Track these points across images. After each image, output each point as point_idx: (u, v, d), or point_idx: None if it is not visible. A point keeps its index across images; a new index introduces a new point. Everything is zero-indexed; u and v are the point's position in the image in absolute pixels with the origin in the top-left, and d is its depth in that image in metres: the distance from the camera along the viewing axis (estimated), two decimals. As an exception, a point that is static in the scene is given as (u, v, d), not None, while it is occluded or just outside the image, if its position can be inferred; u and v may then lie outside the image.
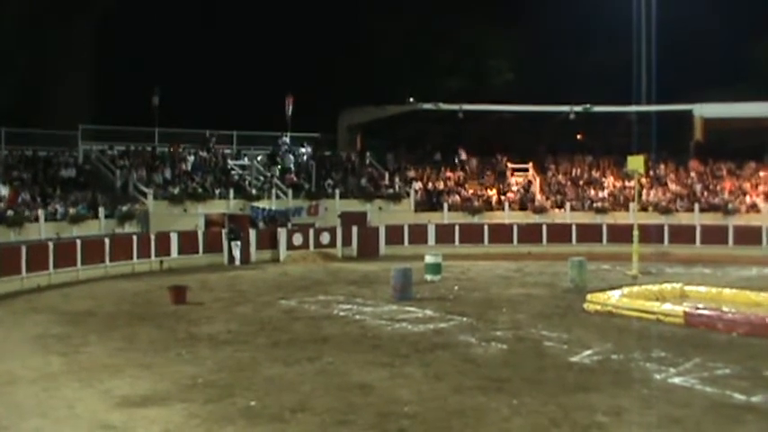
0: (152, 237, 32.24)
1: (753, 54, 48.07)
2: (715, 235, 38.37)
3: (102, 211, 31.95)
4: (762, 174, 43.13)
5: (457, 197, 41.73)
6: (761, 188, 41.91)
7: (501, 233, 39.13)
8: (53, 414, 12.16)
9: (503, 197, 42.21)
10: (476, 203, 41.23)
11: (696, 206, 40.41)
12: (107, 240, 30.23)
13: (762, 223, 38.53)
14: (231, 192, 36.69)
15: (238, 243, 33.87)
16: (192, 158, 38.87)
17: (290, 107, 41.55)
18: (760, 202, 40.65)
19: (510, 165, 44.90)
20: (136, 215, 33.19)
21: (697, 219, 39.60)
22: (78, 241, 29.11)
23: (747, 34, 47.47)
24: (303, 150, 43.17)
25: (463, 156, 45.36)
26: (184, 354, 16.08)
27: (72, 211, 31.07)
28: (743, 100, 41.97)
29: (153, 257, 31.84)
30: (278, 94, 41.45)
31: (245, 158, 41.21)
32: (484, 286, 26.36)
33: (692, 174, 44.02)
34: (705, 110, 42.31)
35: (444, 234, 38.51)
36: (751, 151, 44.40)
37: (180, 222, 34.34)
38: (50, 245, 27.87)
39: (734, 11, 45.64)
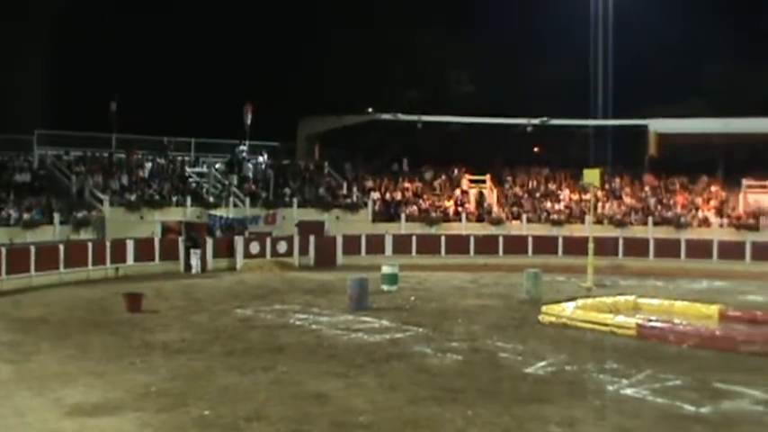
0: (108, 244, 31.93)
1: (706, 71, 48.84)
2: (668, 248, 38.89)
3: (57, 216, 31.62)
4: (713, 188, 43.80)
5: (414, 208, 41.84)
6: (712, 203, 42.57)
7: (458, 244, 39.30)
8: (3, 423, 12.02)
9: (460, 208, 42.39)
10: (433, 214, 41.37)
11: (650, 220, 40.90)
12: (62, 247, 29.91)
13: (713, 237, 39.14)
14: (188, 199, 36.50)
15: (197, 251, 33.69)
16: (149, 165, 38.61)
17: (249, 115, 41.38)
18: (711, 216, 41.27)
19: (467, 176, 45.10)
20: (92, 222, 32.86)
21: (650, 232, 40.09)
22: (32, 247, 28.82)
23: (701, 52, 48.24)
24: (261, 159, 43.06)
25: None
26: (138, 362, 15.97)
27: (26, 216, 30.73)
28: (696, 116, 42.63)
29: (108, 264, 31.53)
30: (237, 102, 41.28)
31: (203, 166, 41.03)
32: (440, 297, 26.46)
33: (647, 188, 44.56)
34: (659, 125, 42.84)
35: (401, 244, 38.57)
36: (703, 166, 45.07)
37: (136, 229, 34.04)
38: (3, 250, 27.53)
39: (689, 29, 46.35)
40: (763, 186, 42.75)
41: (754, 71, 48.07)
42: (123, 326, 20.14)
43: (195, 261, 33.51)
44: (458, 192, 43.96)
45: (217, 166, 41.12)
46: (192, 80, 45.67)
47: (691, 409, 12.85)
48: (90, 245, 31.31)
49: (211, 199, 37.45)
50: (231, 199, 37.78)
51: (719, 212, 41.61)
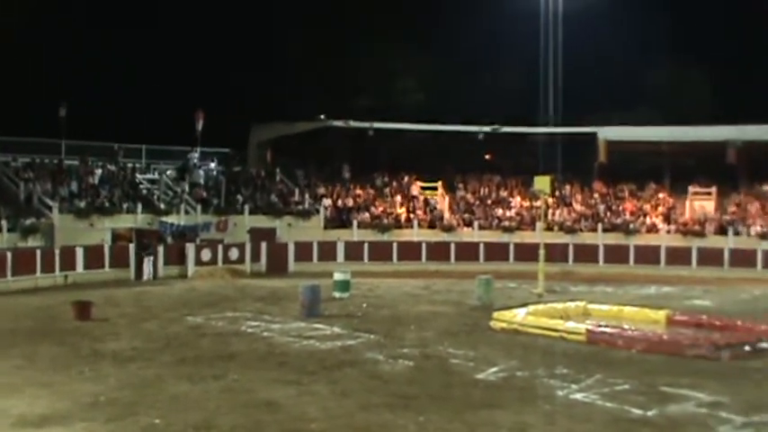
0: (56, 251, 31.56)
1: (654, 81, 49.59)
2: (617, 254, 39.39)
3: (4, 224, 31.19)
4: (661, 195, 44.44)
5: (366, 215, 41.88)
6: (660, 209, 43.17)
7: (410, 251, 39.41)
8: (-53, 435, 11.85)
9: (412, 215, 42.51)
10: (385, 221, 41.45)
11: (599, 226, 41.37)
12: (9, 254, 29.49)
13: (660, 243, 39.74)
14: (139, 206, 36.19)
15: (150, 258, 33.43)
16: (99, 172, 38.21)
17: (200, 122, 41.15)
18: (659, 222, 41.85)
19: (419, 183, 45.26)
20: (40, 229, 32.47)
21: (600, 238, 40.54)
22: (-22, 255, 28.41)
23: (649, 60, 49.00)
24: (213, 166, 42.84)
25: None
26: (87, 371, 15.79)
27: (-28, 224, 30.30)
28: (644, 124, 43.24)
29: (57, 272, 31.15)
30: (188, 109, 41.06)
31: (155, 173, 40.71)
32: (392, 304, 26.51)
33: (596, 195, 45.07)
34: (609, 133, 43.30)
35: (353, 251, 38.58)
36: (651, 173, 45.79)
37: (86, 237, 33.66)
38: (-52, 258, 27.13)
39: (637, 39, 47.08)
40: (709, 193, 43.51)
41: (699, 80, 48.94)
42: (72, 335, 19.90)
43: (147, 268, 33.24)
44: (415, 197, 44.10)
45: (168, 172, 40.83)
46: (144, 86, 45.34)
47: (638, 412, 13.02)
48: (38, 252, 30.93)
49: (162, 206, 37.19)
50: (182, 206, 37.54)
51: (667, 219, 42.22)
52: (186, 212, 37.43)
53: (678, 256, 38.90)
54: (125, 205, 36.15)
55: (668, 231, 41.09)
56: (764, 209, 42.06)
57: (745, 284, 34.38)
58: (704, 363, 17.03)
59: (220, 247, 35.92)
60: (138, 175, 39.69)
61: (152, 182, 39.77)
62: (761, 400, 13.91)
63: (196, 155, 42.08)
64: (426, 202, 44.13)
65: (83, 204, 34.95)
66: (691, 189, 43.71)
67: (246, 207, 39.11)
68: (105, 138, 39.63)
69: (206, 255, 35.20)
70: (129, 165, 40.32)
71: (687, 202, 43.41)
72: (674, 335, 19.73)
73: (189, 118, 41.02)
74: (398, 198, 43.94)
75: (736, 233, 39.93)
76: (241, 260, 36.19)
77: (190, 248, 34.89)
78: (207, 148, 42.81)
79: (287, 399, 13.73)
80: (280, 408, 13.16)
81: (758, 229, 39.96)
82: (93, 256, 32.56)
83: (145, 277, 33.05)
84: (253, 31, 48.43)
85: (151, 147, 41.78)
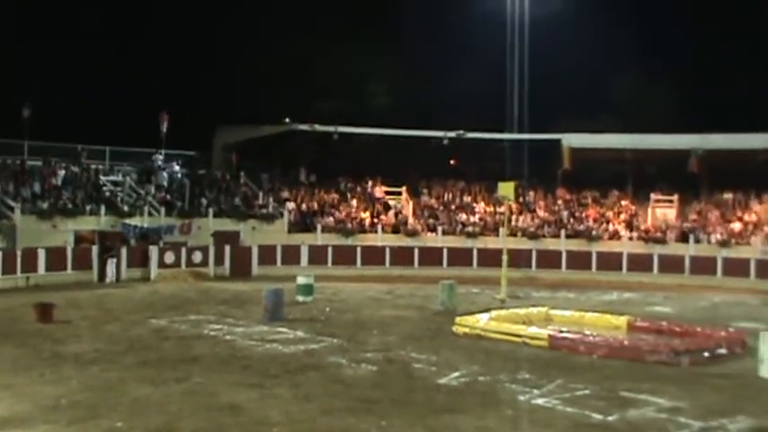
0: (18, 253, 31.25)
1: (618, 89, 50.07)
2: (579, 260, 39.70)
3: (-35, 225, 30.87)
4: (624, 202, 44.86)
5: (330, 219, 41.86)
6: (622, 216, 43.57)
7: (373, 255, 39.47)
8: None
9: (376, 220, 42.55)
10: (349, 225, 41.45)
11: (562, 232, 41.67)
12: (-31, 256, 29.20)
13: (622, 250, 40.10)
14: (102, 208, 35.90)
15: (113, 260, 33.18)
16: (62, 173, 37.85)
17: (165, 124, 40.91)
18: (621, 229, 42.23)
19: (384, 188, 45.30)
20: (2, 230, 32.18)
21: (563, 245, 40.85)
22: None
23: (614, 69, 49.49)
24: (177, 168, 42.61)
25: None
26: (48, 374, 15.64)
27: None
28: (608, 131, 43.61)
29: (19, 274, 30.84)
30: (153, 111, 40.83)
31: (118, 174, 40.39)
32: (355, 308, 26.52)
33: (560, 201, 45.39)
34: (573, 140, 43.56)
35: (317, 255, 38.57)
36: (614, 180, 46.19)
37: (48, 238, 33.34)
38: None
39: (602, 47, 47.55)
40: (670, 201, 43.99)
41: (663, 89, 49.46)
42: (33, 337, 19.70)
43: (110, 270, 33.01)
44: (380, 201, 44.15)
45: (132, 174, 40.54)
46: (108, 87, 45.08)
47: (599, 417, 13.11)
48: (0, 254, 30.58)
49: (126, 208, 36.90)
50: (146, 208, 37.29)
51: (629, 226, 42.62)
52: (150, 215, 37.19)
53: (640, 263, 39.29)
54: (88, 207, 35.86)
55: (630, 238, 41.50)
56: (725, 217, 42.60)
57: (705, 291, 34.81)
58: (664, 368, 17.20)
59: (184, 250, 35.76)
60: (101, 177, 39.36)
61: (116, 184, 39.46)
62: (718, 405, 14.07)
63: (160, 157, 41.85)
64: (387, 205, 44.14)
65: (45, 206, 34.63)
66: (653, 196, 44.22)
67: (210, 210, 38.97)
68: (69, 139, 39.28)
69: (169, 257, 35.02)
70: (93, 166, 39.97)
71: (649, 210, 43.89)
72: (634, 341, 19.90)
73: (153, 120, 40.80)
74: (359, 202, 43.96)
75: (697, 241, 40.41)
76: (204, 263, 36.06)
77: (153, 251, 34.68)
78: (171, 151, 42.59)
79: (249, 402, 13.69)
80: (242, 411, 13.12)
81: (718, 236, 40.48)
82: (56, 258, 32.27)
83: (107, 279, 32.84)
84: (218, 34, 48.33)
85: (115, 148, 41.48)
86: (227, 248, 37.00)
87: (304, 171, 45.73)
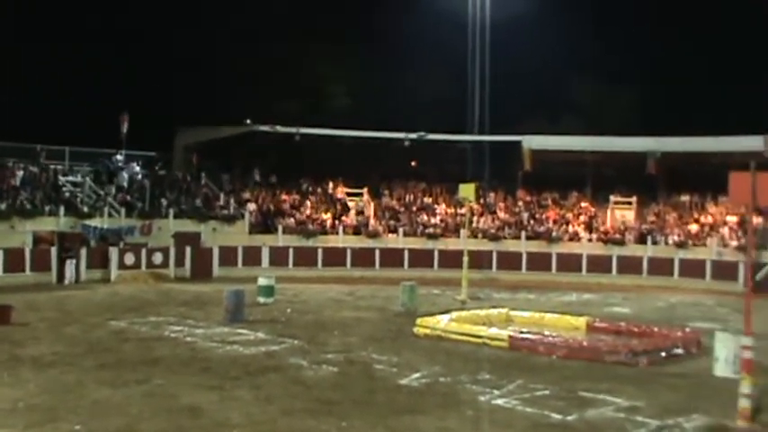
0: (-26, 254, 30.89)
1: (578, 92, 50.53)
2: (540, 262, 40.02)
3: None
4: (583, 204, 45.24)
5: (292, 220, 41.79)
6: (582, 218, 43.94)
7: (335, 257, 39.50)
8: None
9: (337, 221, 42.55)
10: (310, 227, 41.41)
11: (523, 234, 41.93)
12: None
13: (582, 251, 40.47)
14: (62, 209, 35.52)
15: (72, 261, 32.87)
16: (20, 173, 37.39)
17: (125, 125, 40.60)
18: (581, 231, 42.59)
19: (345, 189, 45.30)
20: (-42, 231, 31.74)
21: (523, 246, 41.11)
22: None
23: (574, 71, 49.97)
24: (137, 169, 42.30)
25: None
26: (5, 377, 15.45)
27: None
28: (567, 133, 43.97)
29: (-25, 276, 30.49)
30: (113, 111, 40.51)
31: (78, 175, 40.00)
32: (316, 309, 26.51)
33: (520, 203, 45.67)
34: (533, 141, 43.83)
35: (278, 256, 38.51)
36: (574, 182, 46.57)
37: (6, 239, 32.94)
38: None
39: (563, 51, 47.99)
40: (629, 203, 44.43)
41: (621, 92, 50.01)
42: (-10, 339, 19.49)
43: (69, 272, 32.70)
44: (341, 203, 44.16)
45: (91, 175, 40.16)
46: (68, 87, 44.65)
47: (558, 417, 13.23)
48: (-45, 255, 30.25)
49: (86, 209, 36.57)
50: (106, 209, 36.97)
51: (588, 227, 42.99)
52: (110, 216, 36.87)
53: (599, 264, 39.70)
54: (47, 208, 35.45)
55: (590, 240, 41.88)
56: (682, 219, 43.13)
57: (663, 292, 35.29)
58: (622, 368, 17.40)
59: (144, 251, 35.51)
60: (60, 178, 38.94)
61: (75, 184, 39.06)
62: (675, 404, 14.26)
63: (121, 158, 41.53)
64: (346, 206, 44.15)
65: (3, 206, 34.16)
66: (612, 198, 44.63)
67: (171, 211, 38.71)
68: (27, 139, 38.81)
69: (129, 259, 34.76)
70: (52, 167, 39.50)
71: (608, 211, 44.29)
72: (593, 341, 20.08)
73: (114, 120, 40.48)
74: (320, 204, 43.95)
75: (655, 242, 40.86)
76: (165, 264, 35.85)
77: (113, 252, 34.41)
78: (132, 151, 42.26)
79: (210, 404, 13.64)
80: (202, 413, 13.08)
81: (675, 238, 40.97)
82: (14, 260, 31.90)
83: (67, 281, 32.53)
84: (180, 34, 48.05)
85: (75, 149, 41.03)
86: (188, 250, 36.81)
87: (258, 171, 45.40)
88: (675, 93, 49.14)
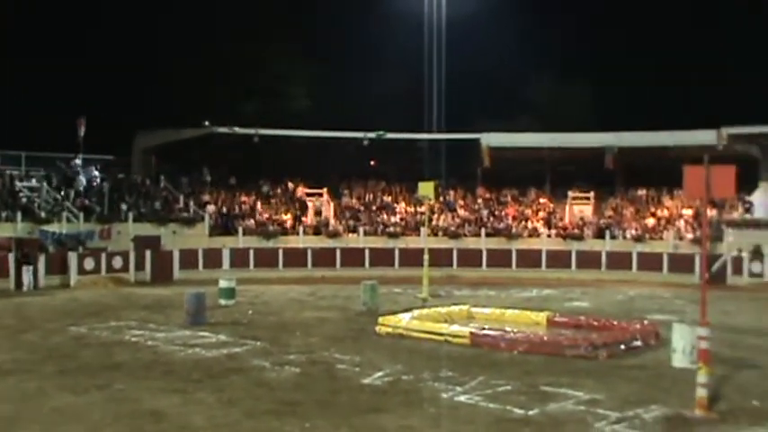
0: (-71, 261, 30.47)
1: (536, 90, 50.91)
2: (500, 258, 40.27)
3: None
4: (542, 200, 45.60)
5: (252, 221, 41.67)
6: (541, 214, 44.29)
7: (295, 257, 39.45)
8: None
9: (297, 222, 42.49)
10: (270, 228, 41.32)
11: (483, 231, 42.15)
12: None
13: (542, 247, 40.78)
14: (19, 214, 35.12)
15: (29, 267, 32.52)
16: (-25, 179, 36.99)
17: (82, 128, 40.21)
18: (540, 227, 42.91)
19: (305, 189, 45.25)
20: None
21: (483, 243, 41.36)
22: None
23: (531, 69, 50.37)
24: (96, 173, 41.94)
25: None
26: (-36, 385, 15.32)
27: None
28: (526, 130, 44.28)
29: (-70, 283, 30.08)
30: (71, 115, 40.11)
31: (34, 180, 39.55)
32: (278, 310, 26.48)
33: (480, 200, 45.91)
34: (491, 139, 44.12)
35: (239, 258, 38.40)
36: (533, 179, 46.92)
37: (-37, 246, 32.57)
38: None
39: (519, 49, 48.39)
40: (587, 198, 44.84)
41: (579, 89, 50.47)
42: (-53, 347, 19.26)
43: (27, 278, 32.33)
44: (301, 203, 44.10)
45: (49, 180, 39.72)
46: (24, 91, 44.14)
47: (520, 412, 13.36)
48: None
49: (43, 214, 36.19)
50: (64, 214, 36.61)
51: (547, 223, 43.32)
52: (68, 221, 36.52)
53: (558, 260, 40.06)
54: (4, 214, 35.01)
55: (549, 235, 42.19)
56: (639, 213, 43.62)
57: (621, 286, 35.73)
58: (583, 362, 17.60)
59: (104, 256, 35.21)
60: (17, 183, 38.47)
61: (32, 189, 38.62)
62: (634, 395, 14.46)
63: (79, 162, 41.13)
64: (304, 204, 44.10)
65: (-42, 213, 33.80)
66: (570, 194, 44.99)
67: (130, 215, 38.41)
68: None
69: (89, 264, 34.44)
70: (8, 172, 39.00)
71: (567, 207, 44.66)
72: (554, 336, 20.24)
73: (71, 124, 40.09)
74: (280, 204, 43.89)
75: (613, 237, 41.31)
76: (125, 269, 35.58)
77: (72, 257, 34.08)
78: (90, 155, 41.87)
79: (172, 408, 13.60)
80: (165, 417, 13.03)
81: (633, 232, 41.44)
82: (-30, 267, 31.54)
83: (25, 287, 32.12)
84: (137, 38, 47.73)
85: (31, 153, 40.61)
86: (148, 253, 36.56)
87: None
88: (631, 89, 49.73)
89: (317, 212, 43.79)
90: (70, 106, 40.85)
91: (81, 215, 37.06)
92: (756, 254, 37.63)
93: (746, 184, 39.67)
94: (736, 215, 40.33)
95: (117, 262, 35.44)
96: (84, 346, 19.59)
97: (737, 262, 37.37)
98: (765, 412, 13.54)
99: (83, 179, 40.40)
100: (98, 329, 22.08)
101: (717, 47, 48.72)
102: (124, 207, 39.14)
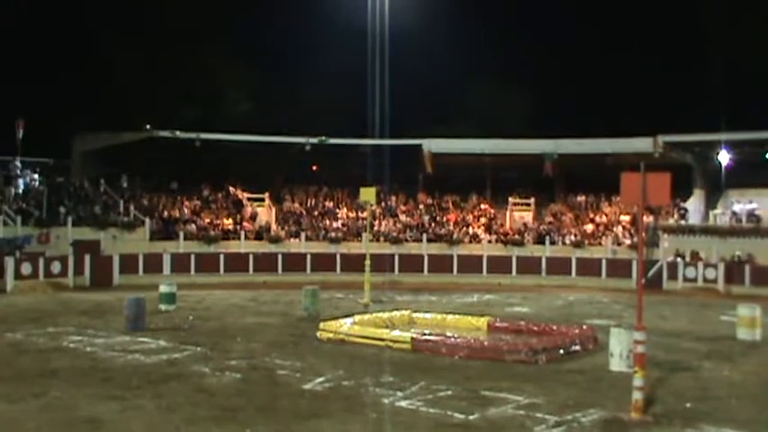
0: None
1: (476, 96, 51.33)
2: (441, 264, 40.51)
3: None
4: (483, 206, 45.98)
5: (193, 226, 41.40)
6: (482, 220, 44.65)
7: (237, 262, 39.25)
8: None
9: (238, 227, 42.31)
10: (212, 233, 41.08)
11: (424, 236, 42.37)
12: None
13: (482, 252, 41.11)
14: (-47, 219, 34.54)
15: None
16: None
17: (21, 131, 39.60)
18: (481, 232, 43.26)
19: (246, 194, 45.07)
20: None
21: (425, 249, 41.58)
22: None
23: (472, 78, 50.78)
24: (34, 176, 41.29)
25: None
26: None
27: None
28: (467, 137, 44.62)
29: None
30: (9, 117, 39.47)
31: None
32: (219, 316, 26.34)
33: (421, 206, 46.15)
34: (433, 145, 44.40)
35: (180, 263, 38.10)
36: (474, 185, 47.32)
37: None
38: None
39: (460, 56, 48.77)
40: (528, 204, 45.34)
41: (519, 96, 51.00)
42: None
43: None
44: (242, 208, 43.90)
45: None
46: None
47: (460, 417, 13.46)
48: None
49: (-22, 218, 35.61)
50: (1, 218, 35.99)
51: (488, 229, 43.69)
52: (5, 224, 35.93)
53: (499, 265, 40.39)
54: (-62, 218, 34.44)
55: (490, 241, 42.56)
56: (578, 219, 44.22)
57: (561, 291, 36.21)
58: (523, 367, 17.79)
59: (42, 261, 34.66)
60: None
61: (-33, 193, 37.99)
62: (573, 399, 14.68)
63: (18, 165, 40.47)
64: (240, 205, 43.89)
65: None
66: (511, 200, 45.47)
67: (69, 219, 37.89)
68: None
69: (26, 268, 33.84)
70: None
71: (507, 213, 45.13)
72: (494, 341, 20.43)
73: (9, 126, 39.45)
74: (221, 209, 43.67)
75: (553, 242, 41.83)
76: (64, 273, 35.06)
77: (9, 262, 33.47)
78: (28, 158, 41.25)
79: (110, 415, 13.46)
80: (102, 424, 12.89)
81: (572, 238, 42.00)
82: None
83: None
84: (78, 39, 47.14)
85: (-33, 156, 39.98)
86: (88, 258, 36.12)
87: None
88: (570, 96, 50.38)
89: (252, 216, 43.58)
90: (8, 108, 40.19)
91: (19, 219, 36.49)
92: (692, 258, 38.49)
93: (681, 191, 40.65)
94: (671, 221, 41.11)
95: (55, 267, 34.91)
96: (21, 352, 19.27)
97: (672, 267, 38.05)
98: (698, 414, 13.83)
99: (20, 182, 39.78)
100: (35, 336, 21.74)
101: (654, 56, 49.62)
102: (63, 211, 38.61)
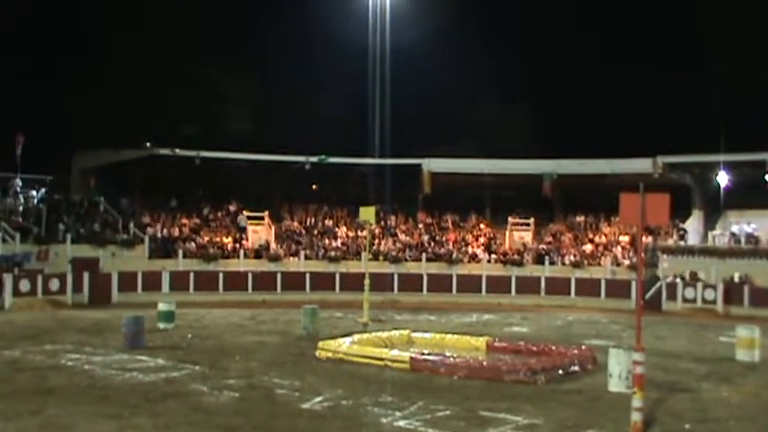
0: None
1: (476, 116, 51.43)
2: (440, 283, 40.47)
3: None
4: (482, 226, 46.01)
5: (192, 244, 41.39)
6: (481, 239, 44.65)
7: (236, 281, 39.21)
8: None
9: (238, 245, 42.30)
10: (211, 251, 41.07)
11: (423, 256, 42.36)
12: None
13: (482, 272, 41.08)
14: (-48, 236, 34.53)
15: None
16: None
17: (20, 147, 39.61)
18: (480, 252, 43.26)
19: (246, 213, 45.08)
20: None
21: (424, 268, 41.55)
22: None
23: (472, 98, 50.91)
24: (33, 193, 41.31)
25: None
26: None
27: None
28: (466, 156, 44.67)
29: None
30: (8, 133, 39.50)
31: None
32: (217, 334, 26.30)
33: (421, 225, 46.17)
34: (433, 164, 44.43)
35: (179, 281, 38.04)
36: (473, 204, 47.36)
37: None
38: None
39: (462, 77, 48.92)
40: (527, 224, 45.36)
41: (518, 116, 51.11)
42: None
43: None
44: (242, 227, 43.91)
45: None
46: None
47: (458, 437, 13.48)
48: None
49: (-22, 235, 35.60)
50: (0, 234, 36.00)
51: (487, 249, 43.70)
52: (4, 241, 35.93)
53: (498, 285, 40.37)
54: (-64, 235, 34.43)
55: (489, 261, 42.53)
56: (577, 239, 44.23)
57: (560, 311, 36.23)
58: (522, 387, 17.76)
59: (40, 278, 34.62)
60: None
61: (-33, 209, 37.98)
62: (571, 420, 14.64)
63: (19, 182, 40.48)
64: (239, 224, 43.90)
65: None
66: (510, 220, 45.48)
67: (68, 236, 37.87)
68: None
69: (25, 285, 33.81)
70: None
71: (507, 233, 45.11)
72: (493, 361, 20.40)
73: (8, 143, 39.48)
74: (221, 228, 43.67)
75: (552, 262, 41.82)
76: (62, 291, 35.01)
77: (7, 279, 33.45)
78: (27, 175, 41.23)
79: (108, 433, 13.45)
80: (100, 443, 12.88)
81: (571, 258, 42.00)
82: None
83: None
84: (79, 56, 47.20)
85: (-34, 172, 39.97)
86: (86, 275, 36.08)
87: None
88: (570, 117, 50.48)
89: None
90: (8, 124, 40.22)
91: (18, 236, 36.48)
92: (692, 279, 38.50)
93: (680, 212, 40.72)
94: (670, 242, 41.14)
95: (54, 284, 34.87)
96: (18, 370, 19.22)
97: (672, 288, 38.03)
98: (698, 436, 13.83)
99: (20, 199, 39.78)
100: (33, 353, 21.71)
101: (654, 77, 49.74)
102: (62, 228, 38.60)
